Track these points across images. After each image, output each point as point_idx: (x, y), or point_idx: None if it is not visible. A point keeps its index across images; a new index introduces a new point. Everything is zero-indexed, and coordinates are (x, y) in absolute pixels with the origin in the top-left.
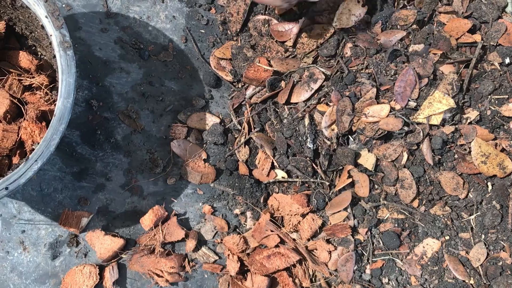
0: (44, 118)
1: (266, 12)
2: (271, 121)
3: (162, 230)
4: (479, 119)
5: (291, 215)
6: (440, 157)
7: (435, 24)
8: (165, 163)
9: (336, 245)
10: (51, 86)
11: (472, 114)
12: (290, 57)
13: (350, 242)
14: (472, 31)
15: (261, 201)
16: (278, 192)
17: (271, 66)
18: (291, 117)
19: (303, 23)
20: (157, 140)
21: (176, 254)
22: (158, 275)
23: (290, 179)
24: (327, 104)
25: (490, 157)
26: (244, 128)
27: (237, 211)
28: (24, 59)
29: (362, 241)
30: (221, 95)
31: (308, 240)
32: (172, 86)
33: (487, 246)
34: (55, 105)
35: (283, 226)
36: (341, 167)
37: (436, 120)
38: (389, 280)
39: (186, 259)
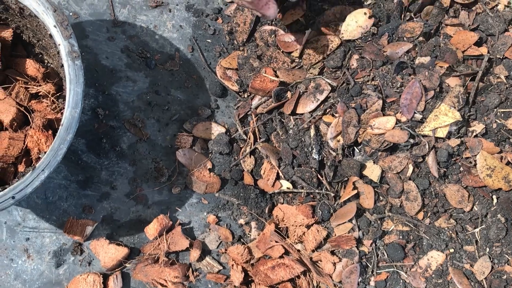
0: (51, 126)
1: (273, 22)
2: (277, 131)
3: (167, 240)
4: (485, 132)
5: (296, 226)
6: (445, 169)
7: (442, 36)
8: (170, 172)
9: (340, 257)
10: (57, 94)
11: (478, 127)
12: (296, 67)
13: (355, 254)
14: (478, 44)
15: (266, 211)
16: (283, 203)
17: (277, 76)
18: (296, 127)
19: (309, 34)
20: (162, 149)
21: (180, 263)
22: (162, 285)
23: (295, 190)
24: (333, 115)
25: (496, 171)
26: (249, 138)
27: (241, 221)
28: (31, 67)
29: (367, 252)
30: (227, 105)
31: (313, 251)
32: (178, 95)
33: (491, 260)
34: (61, 113)
35: (288, 237)
36: (346, 179)
37: (442, 133)
38: None
39: (190, 269)
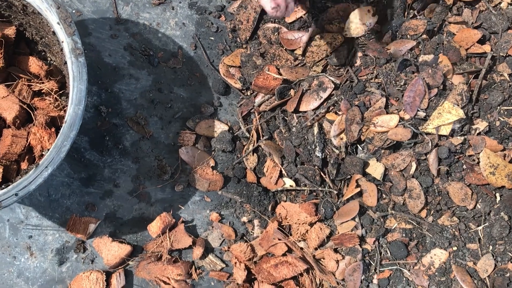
0: (54, 123)
1: (276, 20)
2: (280, 129)
3: (170, 237)
4: (488, 130)
5: (299, 223)
6: (448, 167)
7: (445, 34)
8: (173, 170)
9: (343, 255)
10: (60, 92)
11: (481, 125)
12: (300, 65)
13: (358, 252)
14: (481, 41)
15: (269, 209)
16: (286, 201)
17: (280, 74)
18: (299, 125)
19: (313, 31)
20: (165, 147)
21: (183, 261)
22: (165, 282)
23: (298, 188)
24: (336, 113)
25: (499, 168)
26: (252, 136)
27: (244, 219)
28: (34, 64)
29: (370, 250)
30: (230, 103)
31: (316, 249)
32: (181, 93)
33: (494, 257)
34: (64, 111)
35: (291, 234)
36: (349, 176)
37: (445, 131)
38: None
39: (193, 267)
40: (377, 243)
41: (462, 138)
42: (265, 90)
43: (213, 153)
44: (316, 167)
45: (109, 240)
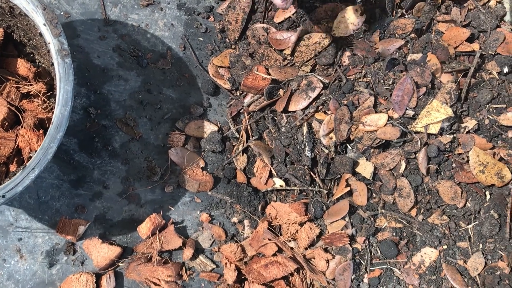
0: (42, 125)
1: (265, 20)
2: (269, 129)
3: (159, 238)
4: (477, 128)
5: (289, 223)
6: (437, 166)
7: (434, 33)
8: (162, 171)
9: (334, 254)
10: (49, 93)
11: (470, 123)
12: (288, 65)
13: (348, 251)
14: (470, 40)
15: (259, 209)
16: (276, 201)
17: (269, 74)
18: (289, 125)
19: (301, 31)
20: (155, 148)
21: (173, 262)
22: (155, 284)
23: (288, 188)
24: (325, 113)
25: (488, 166)
26: (242, 136)
27: (234, 219)
28: (22, 66)
29: (360, 250)
30: (219, 103)
31: (306, 249)
32: (170, 94)
33: (485, 256)
34: (53, 112)
35: (281, 234)
36: (339, 176)
37: (434, 129)
38: None
39: (184, 268)
40: (367, 242)
41: (451, 136)
42: (254, 90)
43: (202, 153)
44: (305, 166)
45: (99, 242)
